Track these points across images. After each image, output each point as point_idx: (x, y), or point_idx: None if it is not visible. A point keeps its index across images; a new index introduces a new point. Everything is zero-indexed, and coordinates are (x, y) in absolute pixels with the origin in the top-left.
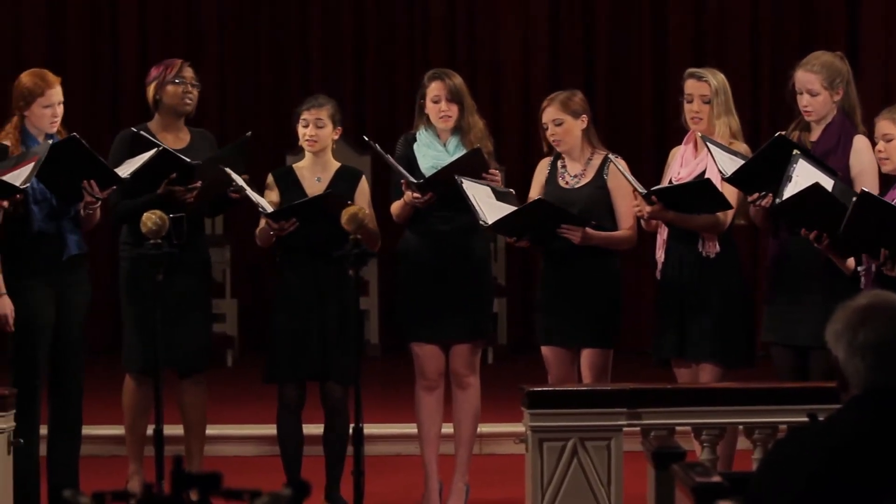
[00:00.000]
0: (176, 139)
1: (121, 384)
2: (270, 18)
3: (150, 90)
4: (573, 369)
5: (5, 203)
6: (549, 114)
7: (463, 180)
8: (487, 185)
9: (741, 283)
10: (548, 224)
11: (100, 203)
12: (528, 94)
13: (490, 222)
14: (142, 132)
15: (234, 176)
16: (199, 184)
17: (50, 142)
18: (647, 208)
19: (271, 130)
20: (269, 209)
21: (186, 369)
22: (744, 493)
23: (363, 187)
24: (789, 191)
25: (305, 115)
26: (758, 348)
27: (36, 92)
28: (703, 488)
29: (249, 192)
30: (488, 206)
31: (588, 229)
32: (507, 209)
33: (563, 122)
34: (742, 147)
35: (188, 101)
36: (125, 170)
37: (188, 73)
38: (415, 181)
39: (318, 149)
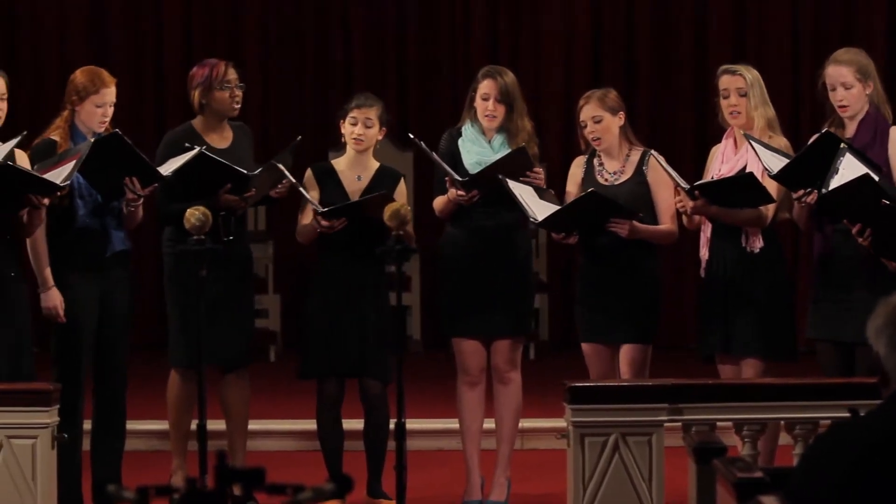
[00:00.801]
0: (220, 139)
1: (165, 380)
2: (314, 14)
3: (196, 94)
4: (613, 365)
5: (46, 200)
6: (588, 111)
7: (507, 179)
8: (530, 185)
9: (785, 278)
10: (596, 218)
11: (141, 200)
12: (570, 94)
13: (539, 219)
14: (196, 146)
15: (288, 174)
16: (252, 192)
17: (93, 138)
18: (691, 203)
19: (313, 127)
20: (321, 208)
21: (229, 365)
22: (784, 488)
23: (402, 189)
24: (835, 182)
25: (355, 114)
26: (800, 343)
27: (90, 89)
28: (744, 483)
29: (302, 190)
30: (535, 203)
31: (635, 223)
32: (553, 207)
33: (602, 118)
34: (781, 141)
35: (235, 105)
36: (167, 168)
37: (232, 75)
38: (459, 178)
39: (363, 148)
